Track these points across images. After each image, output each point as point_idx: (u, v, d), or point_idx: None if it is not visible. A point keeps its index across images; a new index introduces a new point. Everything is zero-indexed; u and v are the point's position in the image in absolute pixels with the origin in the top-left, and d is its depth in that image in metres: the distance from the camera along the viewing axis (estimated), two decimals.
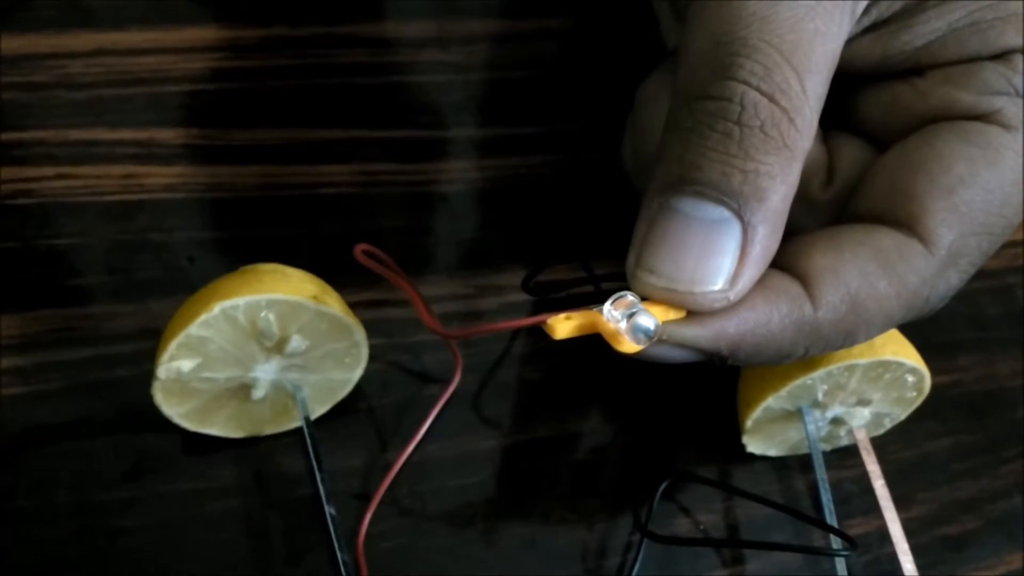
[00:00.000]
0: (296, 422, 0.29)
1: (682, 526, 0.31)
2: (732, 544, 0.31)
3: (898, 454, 0.34)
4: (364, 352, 0.28)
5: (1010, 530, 0.34)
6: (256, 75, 0.34)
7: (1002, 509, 0.34)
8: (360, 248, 0.26)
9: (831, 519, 0.30)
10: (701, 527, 0.31)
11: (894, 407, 0.32)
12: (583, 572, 0.30)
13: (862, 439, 0.31)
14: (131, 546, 0.27)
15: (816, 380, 0.29)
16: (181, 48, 0.34)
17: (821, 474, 0.30)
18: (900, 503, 0.33)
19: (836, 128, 0.28)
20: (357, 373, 0.29)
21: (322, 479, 0.27)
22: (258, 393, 0.28)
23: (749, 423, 0.31)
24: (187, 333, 0.25)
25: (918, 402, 0.32)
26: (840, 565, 0.29)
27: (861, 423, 0.31)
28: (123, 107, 0.33)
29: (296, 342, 0.27)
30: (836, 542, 0.29)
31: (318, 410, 0.30)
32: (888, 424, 0.32)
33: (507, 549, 0.30)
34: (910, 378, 0.30)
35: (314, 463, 0.28)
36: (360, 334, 0.28)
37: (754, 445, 0.32)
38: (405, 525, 0.29)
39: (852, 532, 0.32)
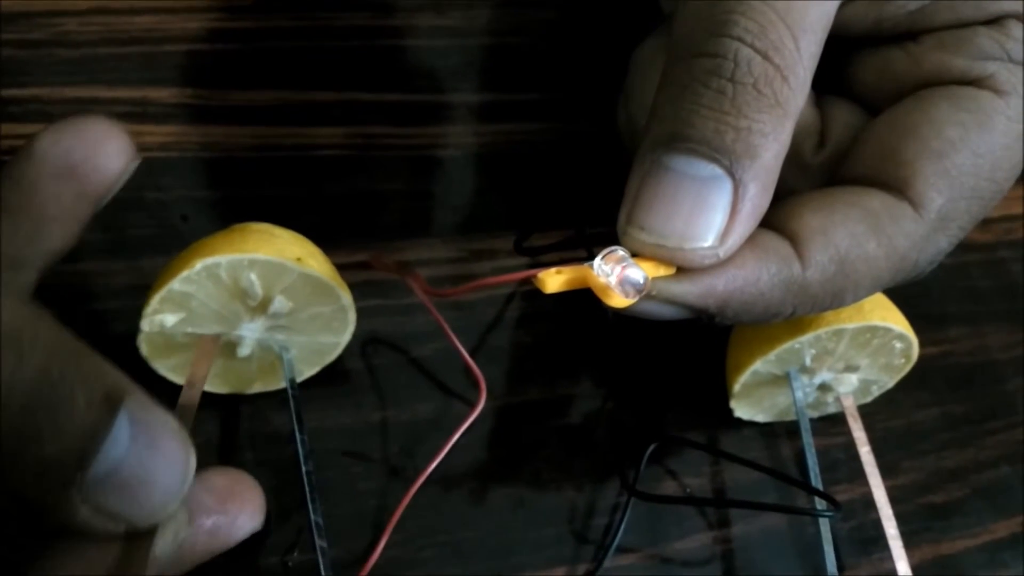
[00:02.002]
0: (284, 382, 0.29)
1: (669, 488, 0.32)
2: (717, 504, 0.32)
3: (886, 423, 0.34)
4: (351, 317, 0.28)
5: (995, 500, 0.34)
6: (252, 36, 0.34)
7: (988, 479, 0.35)
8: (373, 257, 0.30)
9: (816, 483, 0.30)
10: (687, 490, 0.32)
11: (882, 374, 0.32)
12: (570, 532, 0.30)
13: (849, 406, 0.31)
14: None
15: (804, 344, 0.30)
16: (177, 8, 0.34)
17: (808, 439, 0.30)
18: (887, 471, 0.34)
19: (829, 92, 0.28)
20: (345, 337, 0.29)
21: (302, 440, 0.27)
22: (243, 351, 0.28)
23: (737, 387, 0.31)
24: (169, 288, 0.25)
25: (906, 369, 0.32)
26: (824, 527, 0.29)
27: (849, 390, 0.31)
28: (119, 66, 0.33)
29: (279, 303, 0.27)
30: (821, 507, 0.30)
31: (306, 371, 0.30)
32: (876, 392, 0.33)
33: (496, 508, 0.30)
34: (898, 344, 0.30)
35: (295, 425, 0.27)
36: (347, 299, 0.28)
37: (741, 410, 0.32)
38: (396, 484, 0.29)
39: (838, 498, 0.32)
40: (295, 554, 0.28)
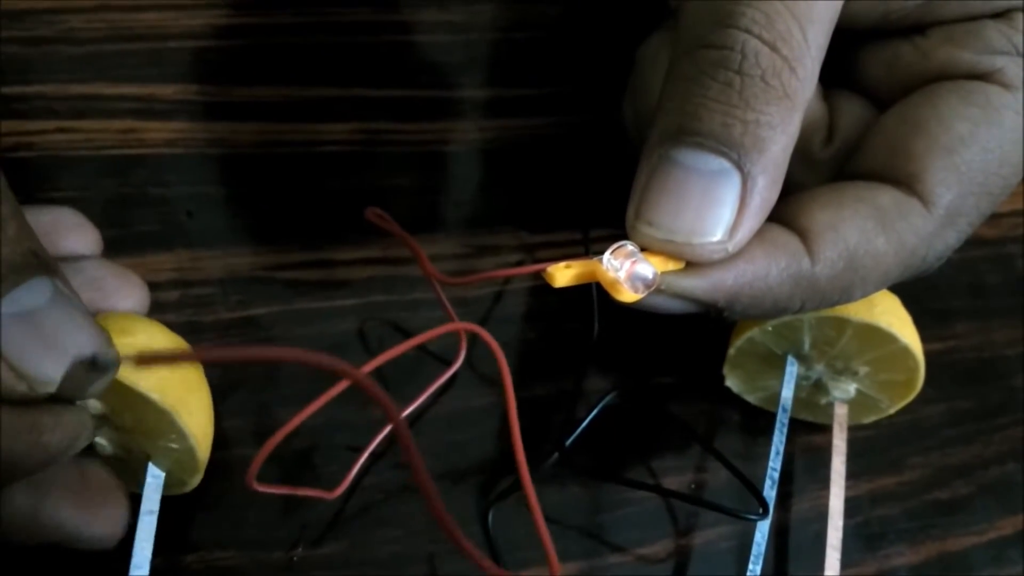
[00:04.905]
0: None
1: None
2: (643, 487, 0.31)
3: (892, 418, 0.34)
4: (181, 421, 0.24)
5: (1002, 496, 0.34)
6: (256, 32, 0.34)
7: (995, 475, 0.34)
8: (371, 210, 0.28)
9: (771, 479, 0.29)
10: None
11: (881, 392, 0.31)
12: (576, 528, 0.30)
13: (840, 415, 0.31)
14: None
15: (805, 324, 0.29)
16: (182, 4, 0.34)
17: (781, 430, 0.30)
18: (893, 467, 0.34)
19: (837, 86, 0.28)
20: (190, 442, 0.25)
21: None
22: (104, 449, 0.25)
23: (732, 351, 0.31)
24: None
25: (908, 396, 0.31)
26: (760, 530, 0.28)
27: (844, 398, 0.31)
28: (124, 62, 0.33)
29: None
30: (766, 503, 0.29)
31: (189, 481, 0.26)
32: (873, 416, 0.32)
33: (502, 504, 0.30)
34: (901, 360, 0.30)
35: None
36: (157, 397, 0.23)
37: (732, 380, 0.32)
38: (400, 477, 0.29)
39: (805, 503, 0.32)
40: (299, 549, 0.28)
